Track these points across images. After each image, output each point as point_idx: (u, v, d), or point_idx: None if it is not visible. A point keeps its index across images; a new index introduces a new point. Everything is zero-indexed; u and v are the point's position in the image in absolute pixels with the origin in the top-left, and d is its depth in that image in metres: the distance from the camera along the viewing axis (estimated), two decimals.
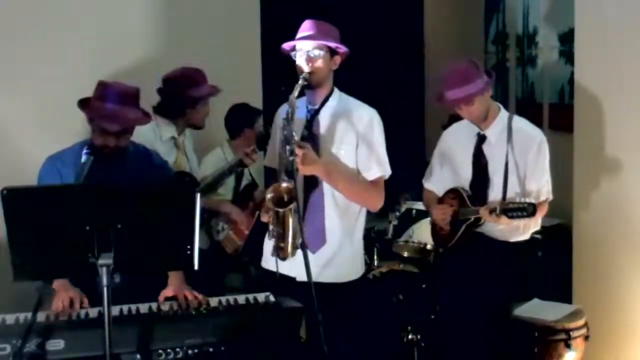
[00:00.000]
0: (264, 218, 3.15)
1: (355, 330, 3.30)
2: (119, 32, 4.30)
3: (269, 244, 3.20)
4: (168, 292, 2.96)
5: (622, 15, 3.79)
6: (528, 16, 5.36)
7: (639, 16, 3.70)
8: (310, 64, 3.09)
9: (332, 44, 3.13)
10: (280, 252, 3.03)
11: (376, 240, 4.73)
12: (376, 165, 3.20)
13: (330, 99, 3.21)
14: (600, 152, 3.97)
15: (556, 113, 5.01)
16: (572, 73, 4.30)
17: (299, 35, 3.15)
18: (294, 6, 4.96)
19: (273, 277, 3.12)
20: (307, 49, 3.10)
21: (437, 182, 3.78)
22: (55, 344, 2.58)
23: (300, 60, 3.11)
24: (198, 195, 2.44)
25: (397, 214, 4.73)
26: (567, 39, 4.76)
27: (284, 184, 2.92)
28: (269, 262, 3.24)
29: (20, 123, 4.03)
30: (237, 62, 4.65)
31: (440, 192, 3.76)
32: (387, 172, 3.24)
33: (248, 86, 4.71)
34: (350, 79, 5.59)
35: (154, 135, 3.65)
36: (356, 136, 3.17)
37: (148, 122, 3.20)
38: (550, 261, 4.57)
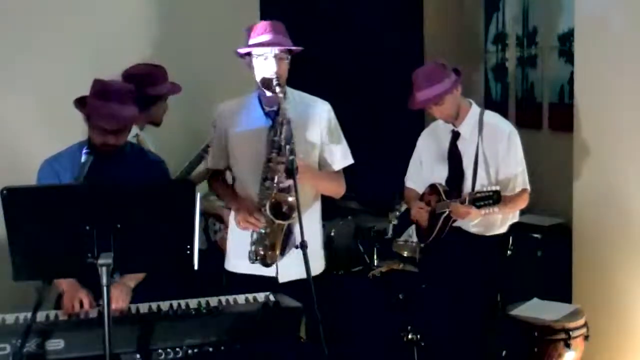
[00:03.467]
0: (247, 225, 3.12)
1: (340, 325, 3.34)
2: (119, 32, 4.30)
3: (236, 246, 3.24)
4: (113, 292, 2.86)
5: (622, 15, 3.79)
6: (528, 16, 5.36)
7: (639, 16, 3.70)
8: (278, 68, 3.07)
9: (294, 47, 3.13)
10: (268, 259, 3.11)
11: (376, 240, 4.74)
12: (343, 157, 3.32)
13: (287, 97, 3.17)
14: (600, 152, 3.97)
15: (556, 113, 5.01)
16: (572, 73, 4.30)
17: (258, 38, 3.11)
18: (293, 7, 4.96)
19: (238, 279, 3.20)
20: (274, 53, 3.08)
21: (417, 180, 3.88)
22: (55, 344, 2.58)
23: (267, 64, 3.08)
24: (198, 195, 2.45)
25: (397, 213, 4.74)
26: (567, 39, 4.76)
27: (290, 199, 2.98)
28: (235, 263, 3.29)
29: (20, 123, 4.03)
30: (237, 63, 4.65)
31: (421, 189, 3.84)
32: (351, 160, 3.35)
33: (248, 88, 4.70)
34: (350, 78, 5.63)
35: None
36: (318, 132, 3.23)
37: (142, 124, 3.21)
38: (550, 261, 4.57)
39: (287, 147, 2.93)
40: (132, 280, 2.97)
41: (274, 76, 3.05)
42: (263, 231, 3.09)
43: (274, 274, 3.17)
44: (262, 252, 3.12)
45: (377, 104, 5.80)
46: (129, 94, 3.04)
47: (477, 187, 3.51)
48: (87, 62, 4.09)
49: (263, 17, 4.80)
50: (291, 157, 2.90)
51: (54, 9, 4.17)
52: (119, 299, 2.84)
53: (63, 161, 3.04)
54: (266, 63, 3.09)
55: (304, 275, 3.03)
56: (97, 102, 2.96)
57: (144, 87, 3.75)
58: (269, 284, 3.09)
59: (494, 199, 3.35)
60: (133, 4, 4.45)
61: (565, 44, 4.81)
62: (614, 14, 3.83)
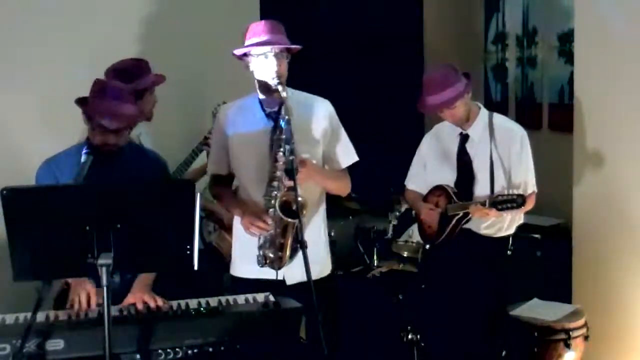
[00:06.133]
0: (254, 228, 3.06)
1: (343, 325, 3.32)
2: (119, 32, 4.30)
3: (243, 251, 3.20)
4: (129, 298, 2.90)
5: (622, 15, 3.79)
6: (528, 16, 5.36)
7: (639, 16, 3.70)
8: (279, 67, 3.05)
9: (292, 46, 3.11)
10: (276, 262, 3.05)
11: (376, 240, 4.74)
12: (347, 154, 3.29)
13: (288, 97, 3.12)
14: (600, 152, 3.97)
15: (556, 113, 5.01)
16: (572, 73, 4.31)
17: (256, 38, 3.08)
18: (294, 8, 4.96)
19: (245, 284, 3.13)
20: (274, 51, 3.05)
21: (420, 182, 3.87)
22: (55, 344, 2.57)
23: (267, 63, 3.05)
24: (198, 196, 2.45)
25: (397, 214, 4.74)
26: (567, 39, 4.77)
27: (299, 197, 2.93)
28: (241, 268, 3.25)
29: (20, 123, 4.03)
30: (237, 65, 4.64)
31: (423, 191, 3.84)
32: (355, 157, 3.32)
33: (248, 89, 4.70)
34: (351, 79, 5.63)
35: None
36: (320, 131, 3.20)
37: (142, 120, 3.22)
38: (550, 261, 4.58)
39: (287, 147, 2.92)
40: (149, 279, 2.97)
41: (275, 75, 3.03)
42: (273, 232, 3.03)
43: (281, 277, 3.12)
44: (271, 255, 3.05)
45: (377, 104, 5.81)
46: (129, 93, 3.05)
47: (497, 190, 3.53)
48: (87, 62, 4.09)
49: (263, 17, 4.80)
50: (291, 157, 2.89)
51: (55, 9, 4.17)
52: (151, 300, 2.85)
53: (61, 163, 3.04)
54: (267, 62, 3.06)
55: (299, 279, 3.05)
56: (98, 101, 2.97)
57: (129, 82, 3.73)
58: (276, 287, 3.02)
59: (517, 202, 3.38)
60: (133, 4, 4.45)
61: (565, 44, 4.81)
62: (614, 14, 3.83)
